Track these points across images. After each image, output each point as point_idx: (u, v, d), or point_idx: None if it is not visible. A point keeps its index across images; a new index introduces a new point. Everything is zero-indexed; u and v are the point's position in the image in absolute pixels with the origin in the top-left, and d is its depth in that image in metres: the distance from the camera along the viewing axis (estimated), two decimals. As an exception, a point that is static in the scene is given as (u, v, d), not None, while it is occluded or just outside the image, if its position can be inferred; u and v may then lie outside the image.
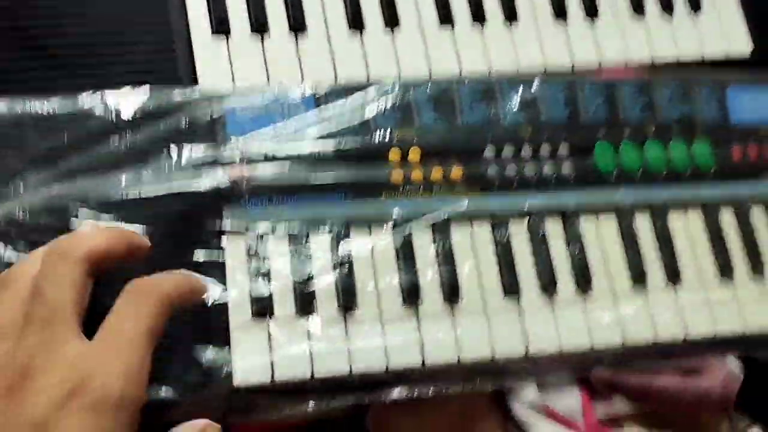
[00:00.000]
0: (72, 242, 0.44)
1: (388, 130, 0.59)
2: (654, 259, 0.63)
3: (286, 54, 0.61)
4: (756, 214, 0.66)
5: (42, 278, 0.42)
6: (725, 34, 0.72)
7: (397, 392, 0.55)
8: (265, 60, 0.61)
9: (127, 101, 0.54)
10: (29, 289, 0.42)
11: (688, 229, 0.64)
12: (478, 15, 0.66)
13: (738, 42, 0.72)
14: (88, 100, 0.54)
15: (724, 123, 0.67)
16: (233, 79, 0.59)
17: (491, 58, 0.66)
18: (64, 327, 0.41)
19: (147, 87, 0.54)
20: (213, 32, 0.60)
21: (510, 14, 0.67)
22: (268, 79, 0.60)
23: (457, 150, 0.60)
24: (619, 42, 0.69)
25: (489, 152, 0.61)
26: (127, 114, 0.54)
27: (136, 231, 0.49)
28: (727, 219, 0.65)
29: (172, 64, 0.58)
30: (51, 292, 0.42)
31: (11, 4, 0.55)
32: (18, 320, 0.41)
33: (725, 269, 0.64)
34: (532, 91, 0.63)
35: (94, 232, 0.45)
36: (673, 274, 0.63)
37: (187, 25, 0.59)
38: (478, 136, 0.61)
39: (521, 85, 0.63)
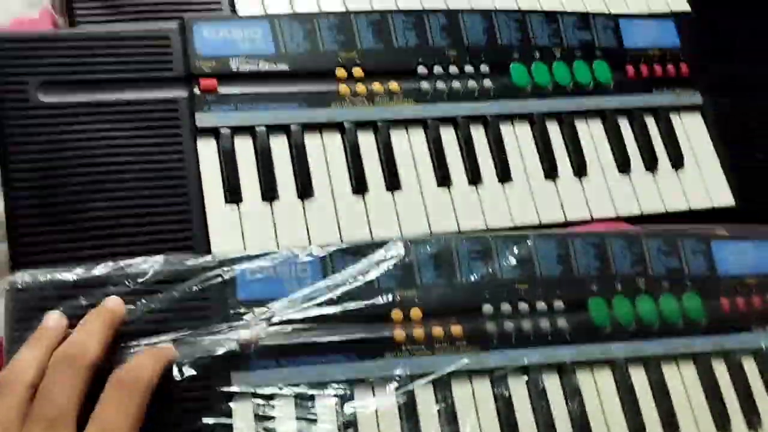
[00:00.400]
0: (79, 350, 0.50)
1: (391, 291, 0.62)
2: (652, 411, 0.64)
3: (294, 219, 0.64)
4: (747, 366, 0.68)
5: (50, 382, 0.48)
6: (708, 188, 0.76)
7: None
8: (274, 225, 0.64)
9: (142, 269, 0.57)
10: (27, 390, 0.48)
11: (683, 382, 0.66)
12: (474, 177, 0.70)
13: (721, 195, 0.76)
14: (106, 270, 0.57)
15: (712, 276, 0.69)
16: (244, 245, 0.63)
17: (487, 216, 0.69)
18: (67, 428, 0.47)
19: (161, 256, 0.58)
20: (226, 201, 0.64)
21: (504, 176, 0.71)
22: (277, 243, 0.63)
23: (456, 307, 0.63)
24: (607, 197, 0.73)
25: (487, 309, 0.64)
26: (142, 282, 0.57)
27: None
28: (720, 371, 0.67)
29: (188, 232, 0.62)
30: (59, 396, 0.48)
31: (44, 183, 0.60)
32: (15, 419, 0.47)
33: (723, 423, 0.64)
34: (527, 248, 0.67)
35: (97, 339, 0.51)
36: (671, 428, 0.64)
37: (202, 195, 0.63)
38: (477, 293, 0.63)
39: (516, 243, 0.66)
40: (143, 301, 0.56)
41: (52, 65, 0.63)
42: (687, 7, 0.86)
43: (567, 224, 0.71)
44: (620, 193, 0.73)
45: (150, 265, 0.57)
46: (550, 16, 0.78)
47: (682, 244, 0.70)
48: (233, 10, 0.72)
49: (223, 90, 0.66)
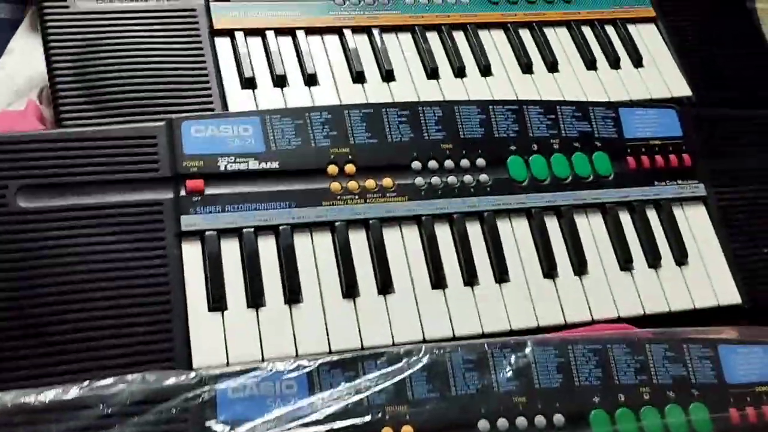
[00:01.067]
0: None
1: (381, 408, 0.58)
2: None
3: (281, 327, 0.61)
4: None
5: None
6: (714, 285, 0.73)
7: None
8: (260, 334, 0.61)
9: (118, 390, 0.54)
10: None
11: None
12: (469, 278, 0.67)
13: (727, 293, 0.73)
14: (79, 392, 0.54)
15: (720, 385, 0.65)
16: (227, 356, 0.59)
17: (484, 321, 0.65)
18: None
19: (139, 375, 0.54)
20: (210, 309, 0.61)
21: (501, 276, 0.67)
22: (262, 353, 0.60)
23: (450, 423, 0.59)
24: (608, 297, 0.70)
25: (483, 425, 0.60)
26: (117, 404, 0.53)
27: None
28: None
29: (169, 344, 0.58)
30: None
31: (17, 294, 0.56)
32: None
33: None
34: (525, 357, 0.64)
35: None
36: None
37: (185, 303, 0.60)
38: (473, 408, 0.59)
39: (514, 352, 0.63)
40: (117, 427, 0.53)
41: (33, 168, 0.61)
42: (688, 91, 0.84)
43: (567, 327, 0.68)
44: (622, 292, 0.70)
45: (125, 385, 0.54)
46: (548, 107, 0.76)
47: (687, 349, 0.66)
48: (225, 107, 0.69)
49: (210, 191, 0.63)
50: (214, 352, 0.59)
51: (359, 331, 0.62)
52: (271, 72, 0.73)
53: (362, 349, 0.62)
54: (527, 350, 0.63)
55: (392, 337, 0.63)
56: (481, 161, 0.71)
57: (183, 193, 0.62)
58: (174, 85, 0.70)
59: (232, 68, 0.72)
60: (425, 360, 0.61)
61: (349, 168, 0.67)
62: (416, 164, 0.69)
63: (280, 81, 0.72)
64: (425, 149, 0.70)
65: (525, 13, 0.85)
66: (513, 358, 0.62)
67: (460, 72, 0.79)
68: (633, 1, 0.89)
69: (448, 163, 0.70)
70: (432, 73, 0.77)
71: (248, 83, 0.72)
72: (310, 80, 0.73)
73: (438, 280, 0.66)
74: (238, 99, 0.70)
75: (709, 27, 0.89)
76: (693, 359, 0.66)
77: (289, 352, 0.60)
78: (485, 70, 0.79)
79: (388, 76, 0.75)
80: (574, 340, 0.65)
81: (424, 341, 0.63)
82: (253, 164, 0.65)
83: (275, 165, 0.66)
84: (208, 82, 0.70)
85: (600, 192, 0.73)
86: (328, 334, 0.62)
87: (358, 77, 0.74)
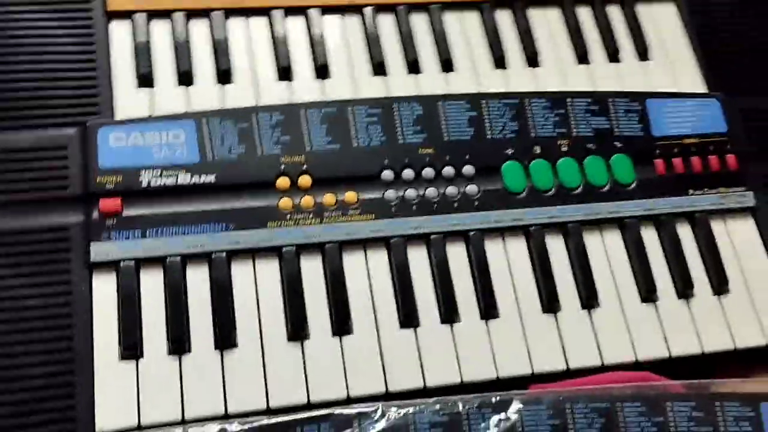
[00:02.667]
0: None
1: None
2: None
3: (209, 379, 0.49)
4: None
5: None
6: (761, 321, 0.57)
7: None
8: (182, 388, 0.49)
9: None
10: None
11: None
12: (449, 314, 0.53)
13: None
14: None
15: None
16: (139, 417, 0.48)
17: (463, 367, 0.52)
18: None
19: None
20: (122, 358, 0.49)
21: (488, 311, 0.53)
22: (183, 413, 0.48)
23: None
24: (624, 336, 0.55)
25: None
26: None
27: None
28: None
29: (70, 401, 0.47)
30: None
31: None
32: None
33: None
34: (508, 420, 0.51)
35: None
36: None
37: (92, 352, 0.48)
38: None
39: (495, 412, 0.50)
40: None
41: None
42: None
43: (570, 374, 0.55)
44: (643, 329, 0.56)
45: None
46: (556, 99, 0.61)
47: (721, 409, 0.54)
48: (111, 112, 0.55)
49: (129, 211, 0.52)
50: (124, 410, 0.48)
51: (306, 382, 0.50)
52: (177, 66, 0.59)
53: (309, 405, 0.50)
54: (512, 410, 0.51)
55: (347, 389, 0.50)
56: (468, 169, 0.57)
57: (95, 215, 0.51)
58: (53, 83, 0.55)
59: (127, 61, 0.58)
60: (382, 424, 0.50)
61: (304, 180, 0.55)
62: (387, 174, 0.56)
63: (185, 78, 0.58)
64: (399, 155, 0.57)
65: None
66: (494, 421, 0.51)
67: (413, 67, 0.62)
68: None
69: (427, 172, 0.57)
70: (378, 69, 0.61)
71: (144, 81, 0.57)
72: (224, 77, 0.58)
73: (408, 318, 0.53)
74: (129, 102, 0.56)
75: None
76: (728, 421, 0.53)
77: (216, 410, 0.49)
78: (445, 64, 0.62)
79: (320, 71, 0.60)
80: (574, 397, 0.53)
81: (387, 395, 0.51)
82: (184, 178, 0.53)
83: (211, 179, 0.53)
84: (95, 78, 0.56)
85: (618, 204, 0.58)
86: (267, 387, 0.49)
87: (284, 73, 0.59)
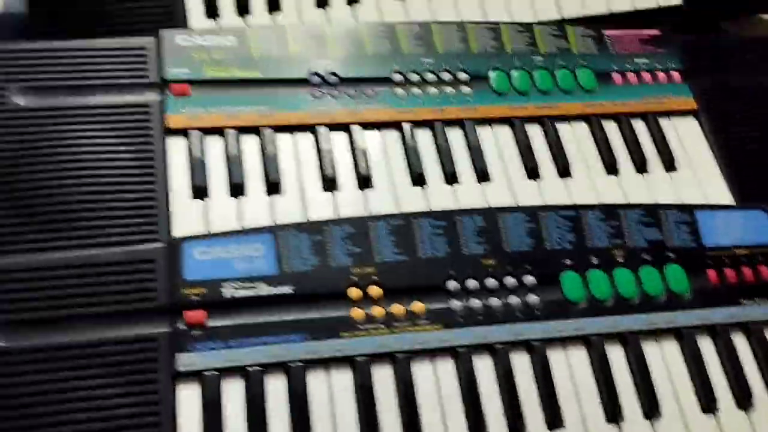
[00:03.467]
0: None
1: None
2: None
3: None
4: None
5: None
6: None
7: None
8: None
9: None
10: None
11: None
12: (514, 423, 0.53)
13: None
14: None
15: None
16: None
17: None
18: None
19: None
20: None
21: (553, 420, 0.54)
22: None
23: None
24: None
25: None
26: None
27: None
28: None
29: None
30: None
31: None
32: None
33: None
34: None
35: None
36: None
37: None
38: None
39: None
40: None
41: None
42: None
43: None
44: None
45: None
46: (610, 211, 0.63)
47: None
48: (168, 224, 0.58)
49: (212, 322, 0.54)
50: None
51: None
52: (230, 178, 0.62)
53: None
54: None
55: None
56: (529, 279, 0.59)
57: (180, 326, 0.54)
58: (114, 195, 0.59)
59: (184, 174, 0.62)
60: None
61: (374, 291, 0.57)
62: (452, 284, 0.58)
63: (236, 190, 0.61)
64: (463, 266, 0.59)
65: (537, 105, 0.68)
66: None
67: (451, 178, 0.65)
68: (670, 90, 0.71)
69: (491, 282, 0.59)
70: (417, 180, 0.63)
71: (199, 192, 0.61)
72: (272, 188, 0.61)
73: (477, 427, 0.54)
74: (185, 211, 0.59)
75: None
76: None
77: None
78: (482, 175, 0.65)
79: (364, 182, 0.62)
80: None
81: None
82: (263, 289, 0.56)
83: (288, 290, 0.56)
84: (153, 190, 0.59)
85: (674, 314, 0.60)
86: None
87: (330, 184, 0.62)
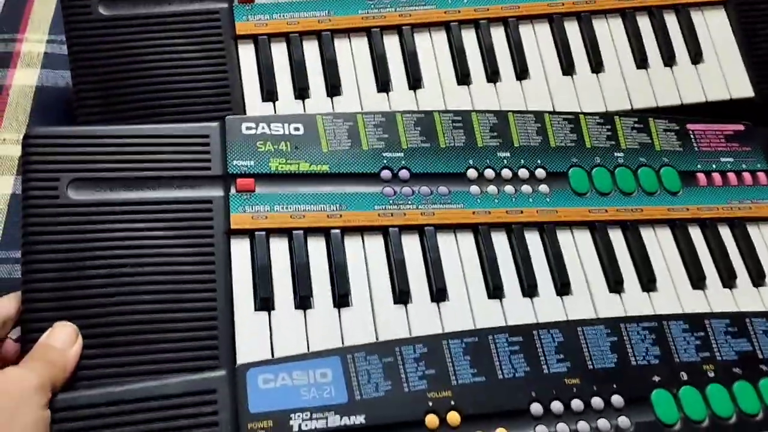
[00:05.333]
0: None
1: None
2: None
3: None
4: None
5: None
6: None
7: None
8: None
9: None
10: None
11: None
12: None
13: None
14: None
15: None
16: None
17: None
18: None
19: None
20: None
21: None
22: None
23: None
24: None
25: None
26: None
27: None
28: None
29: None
30: None
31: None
32: None
33: None
34: None
35: None
36: None
37: None
38: None
39: None
40: None
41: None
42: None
43: None
44: None
45: None
46: (694, 321, 0.59)
47: None
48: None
49: (281, 454, 0.50)
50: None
51: None
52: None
53: None
54: None
55: None
56: (617, 399, 0.54)
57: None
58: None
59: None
60: None
61: (453, 417, 0.52)
62: (535, 407, 0.53)
63: (303, 302, 0.57)
64: (545, 387, 0.54)
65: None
66: None
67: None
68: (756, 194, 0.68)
69: (576, 404, 0.53)
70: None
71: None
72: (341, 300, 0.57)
73: None
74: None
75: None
76: None
77: None
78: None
79: (438, 294, 0.58)
80: None
81: None
82: (334, 420, 0.50)
83: (361, 420, 0.51)
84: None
85: (775, 429, 0.57)
86: None
87: (403, 296, 0.57)
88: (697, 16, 0.75)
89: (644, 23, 0.74)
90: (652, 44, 0.73)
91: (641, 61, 0.72)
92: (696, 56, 0.73)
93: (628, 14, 0.74)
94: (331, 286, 0.58)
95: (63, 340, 0.52)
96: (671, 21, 0.75)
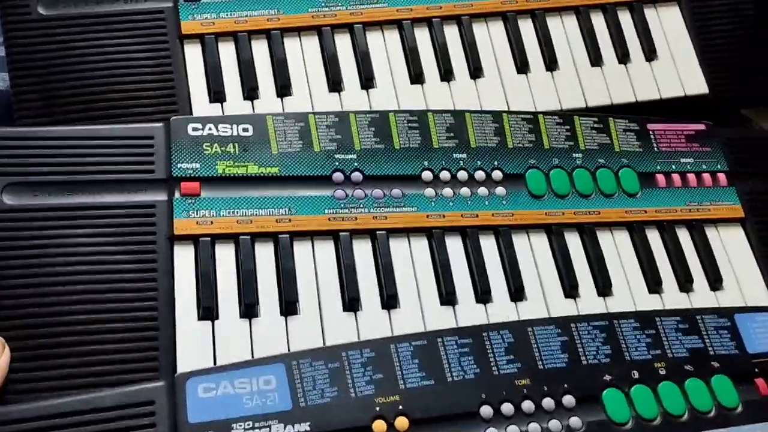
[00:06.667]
0: None
1: None
2: None
3: None
4: None
5: None
6: None
7: None
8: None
9: None
10: None
11: None
12: None
13: None
14: None
15: None
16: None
17: None
18: None
19: None
20: None
21: None
22: None
23: None
24: None
25: None
26: None
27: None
28: None
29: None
30: None
31: None
32: None
33: None
34: None
35: None
36: None
37: None
38: None
39: None
40: None
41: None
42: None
43: None
44: None
45: None
46: (644, 319, 0.58)
47: None
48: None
49: (222, 470, 0.48)
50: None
51: None
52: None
53: None
54: None
55: None
56: (569, 399, 0.53)
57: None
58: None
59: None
60: None
61: (401, 422, 0.50)
62: (486, 410, 0.52)
63: (248, 311, 0.55)
64: (496, 388, 0.53)
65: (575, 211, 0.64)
66: None
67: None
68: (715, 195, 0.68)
69: (527, 405, 0.52)
70: (447, 298, 0.58)
71: (207, 313, 0.55)
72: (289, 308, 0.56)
73: None
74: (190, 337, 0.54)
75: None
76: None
77: None
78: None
79: (389, 300, 0.57)
80: None
81: None
82: (278, 429, 0.48)
83: (306, 427, 0.49)
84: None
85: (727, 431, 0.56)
86: None
87: (352, 305, 0.56)
88: (650, 13, 0.75)
89: (598, 20, 0.73)
90: (607, 42, 0.73)
91: (595, 59, 0.71)
92: (650, 53, 0.73)
93: (582, 11, 0.73)
94: (278, 293, 0.56)
95: None
96: (625, 18, 0.74)
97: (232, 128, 0.61)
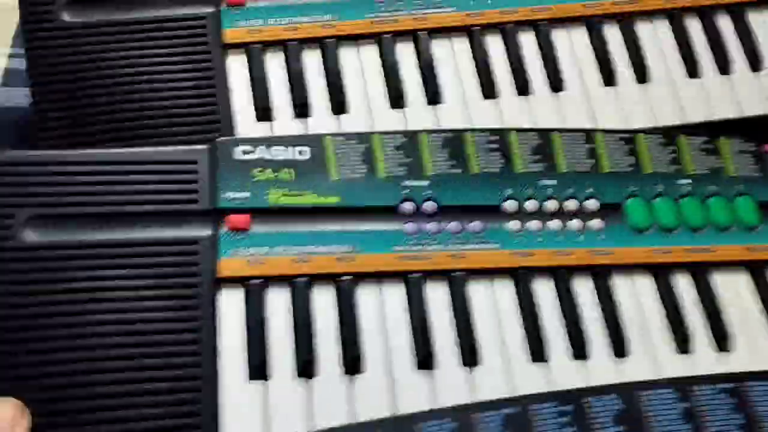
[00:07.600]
0: None
1: None
2: None
3: None
4: None
5: None
6: None
7: None
8: None
9: None
10: None
11: None
12: None
13: None
14: None
15: None
16: None
17: None
18: None
19: None
20: None
21: None
22: None
23: None
24: None
25: None
26: None
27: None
28: None
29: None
30: None
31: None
32: None
33: None
34: None
35: None
36: None
37: None
38: None
39: None
40: None
41: None
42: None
43: None
44: None
45: None
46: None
47: None
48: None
49: None
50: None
51: None
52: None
53: None
54: None
55: None
56: None
57: None
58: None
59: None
60: None
61: None
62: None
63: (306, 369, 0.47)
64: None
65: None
66: None
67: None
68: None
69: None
70: (537, 354, 0.49)
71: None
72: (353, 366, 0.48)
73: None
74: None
75: None
76: None
77: None
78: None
79: (470, 354, 0.48)
80: None
81: None
82: None
83: None
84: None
85: None
86: None
87: (425, 362, 0.48)
88: (754, 17, 0.64)
89: (694, 26, 0.64)
90: (705, 49, 0.63)
91: (693, 70, 0.62)
92: (755, 62, 0.64)
93: (676, 15, 0.64)
94: (340, 347, 0.48)
95: (4, 420, 0.43)
96: (725, 23, 0.64)
97: (287, 150, 0.53)
